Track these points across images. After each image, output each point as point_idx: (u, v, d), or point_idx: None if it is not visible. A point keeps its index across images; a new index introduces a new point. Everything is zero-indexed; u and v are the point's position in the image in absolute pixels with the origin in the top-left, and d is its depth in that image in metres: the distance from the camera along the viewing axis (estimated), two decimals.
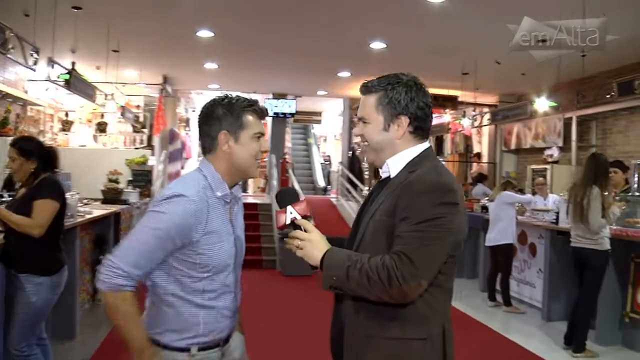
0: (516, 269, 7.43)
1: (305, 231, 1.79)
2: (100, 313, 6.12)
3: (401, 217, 1.68)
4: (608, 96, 7.64)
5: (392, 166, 1.84)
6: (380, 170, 1.92)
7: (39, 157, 3.55)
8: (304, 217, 1.83)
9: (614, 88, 7.36)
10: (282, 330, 6.03)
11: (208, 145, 2.00)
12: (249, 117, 1.98)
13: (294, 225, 1.82)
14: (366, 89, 1.87)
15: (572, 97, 9.04)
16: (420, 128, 1.84)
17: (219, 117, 1.97)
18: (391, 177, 1.84)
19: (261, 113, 2.04)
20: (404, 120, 1.81)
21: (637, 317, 5.41)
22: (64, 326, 5.05)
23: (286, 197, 1.88)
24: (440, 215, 1.66)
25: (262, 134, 2.02)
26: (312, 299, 6.97)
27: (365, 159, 2.25)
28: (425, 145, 1.87)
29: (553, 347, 5.60)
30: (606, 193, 5.08)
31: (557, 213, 6.58)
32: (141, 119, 12.97)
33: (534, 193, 8.39)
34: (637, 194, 5.83)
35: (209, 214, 1.91)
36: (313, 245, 1.76)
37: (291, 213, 1.83)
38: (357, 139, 16.06)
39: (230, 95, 2.02)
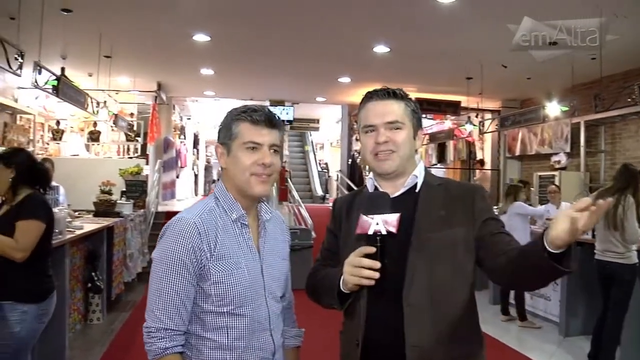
0: None
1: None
2: (92, 334, 5.78)
3: (484, 218, 1.72)
4: (630, 100, 7.34)
5: (420, 178, 1.80)
6: (375, 180, 1.83)
7: (19, 166, 3.19)
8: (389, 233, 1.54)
9: (636, 90, 7.07)
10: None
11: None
12: (241, 125, 1.72)
13: (369, 238, 1.55)
14: (391, 94, 1.80)
15: (586, 101, 8.75)
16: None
17: (219, 129, 1.79)
18: (417, 189, 1.78)
19: (259, 120, 1.72)
20: (422, 134, 1.88)
21: None
22: (51, 351, 4.64)
23: (377, 202, 1.61)
24: None
25: (257, 144, 1.71)
26: (315, 311, 6.56)
27: (384, 166, 2.05)
28: (422, 162, 1.92)
29: None
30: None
31: None
32: (135, 128, 12.67)
33: (541, 202, 8.09)
34: None
35: (218, 236, 1.68)
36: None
37: (377, 224, 1.54)
38: (356, 147, 16.07)
39: (245, 105, 1.79)
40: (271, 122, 1.74)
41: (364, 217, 1.57)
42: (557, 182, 9.55)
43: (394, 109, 1.77)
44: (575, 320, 6.23)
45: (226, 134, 1.74)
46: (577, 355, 5.46)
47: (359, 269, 1.55)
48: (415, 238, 1.69)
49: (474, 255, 1.71)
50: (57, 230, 4.59)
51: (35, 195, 3.22)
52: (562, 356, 5.62)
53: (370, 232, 1.54)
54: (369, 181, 1.86)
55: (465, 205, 1.72)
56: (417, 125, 1.82)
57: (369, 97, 1.81)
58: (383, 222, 1.54)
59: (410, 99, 1.83)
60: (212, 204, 1.75)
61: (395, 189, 1.79)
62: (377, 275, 1.53)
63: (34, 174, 3.27)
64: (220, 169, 1.86)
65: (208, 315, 1.68)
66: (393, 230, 1.54)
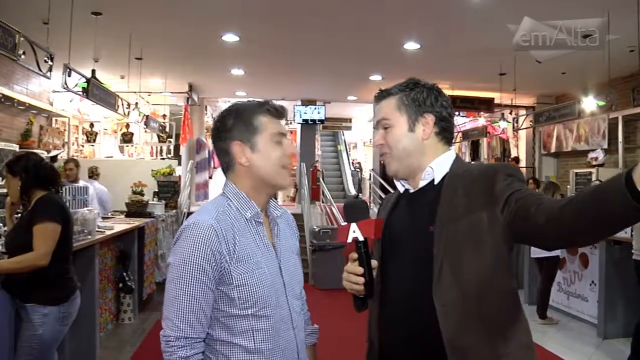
0: (565, 281, 6.98)
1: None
2: (124, 334, 5.82)
3: (507, 194, 1.51)
4: None
5: (437, 170, 1.67)
6: (398, 180, 1.76)
7: (25, 172, 3.21)
8: (367, 239, 1.61)
9: None
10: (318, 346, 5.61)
11: (225, 163, 1.75)
12: (262, 118, 1.71)
13: (356, 246, 1.61)
14: (383, 93, 1.74)
15: (624, 95, 8.50)
16: (446, 130, 1.72)
17: (230, 128, 1.72)
18: (435, 182, 1.67)
19: (277, 112, 1.74)
20: (430, 119, 1.69)
21: None
22: (82, 351, 4.69)
23: (354, 211, 1.67)
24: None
25: (284, 135, 1.74)
26: (347, 312, 6.48)
27: (387, 170, 1.98)
28: (453, 152, 1.74)
29: None
30: None
31: None
32: (167, 129, 12.79)
33: None
34: None
35: (236, 238, 1.64)
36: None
37: (354, 232, 1.60)
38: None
39: (239, 102, 1.78)
40: (282, 112, 1.76)
41: (341, 227, 1.63)
42: (594, 179, 9.31)
43: (384, 107, 1.72)
44: (614, 321, 6.03)
45: (247, 129, 1.69)
46: (616, 358, 5.28)
47: (348, 275, 1.62)
48: (439, 231, 1.57)
49: (505, 237, 1.53)
50: (86, 231, 4.65)
51: (47, 197, 3.22)
52: (600, 359, 5.44)
53: (349, 240, 1.58)
54: (396, 181, 1.80)
55: (487, 185, 1.55)
56: (417, 112, 1.68)
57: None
58: (359, 229, 1.58)
59: (411, 87, 1.70)
60: (225, 204, 1.70)
61: (415, 184, 1.72)
62: (361, 280, 1.59)
63: (41, 176, 3.27)
64: (221, 169, 1.80)
65: (232, 320, 1.64)
66: (370, 236, 1.59)
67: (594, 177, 9.48)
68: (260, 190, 1.73)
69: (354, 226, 1.59)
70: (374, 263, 1.65)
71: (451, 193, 1.61)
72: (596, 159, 10.28)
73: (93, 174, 8.06)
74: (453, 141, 1.79)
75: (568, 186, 10.28)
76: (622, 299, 5.93)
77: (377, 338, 1.71)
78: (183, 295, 1.59)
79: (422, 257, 1.59)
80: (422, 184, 1.70)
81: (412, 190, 1.73)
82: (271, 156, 1.69)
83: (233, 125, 1.71)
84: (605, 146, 10.16)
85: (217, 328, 1.64)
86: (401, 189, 1.78)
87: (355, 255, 1.61)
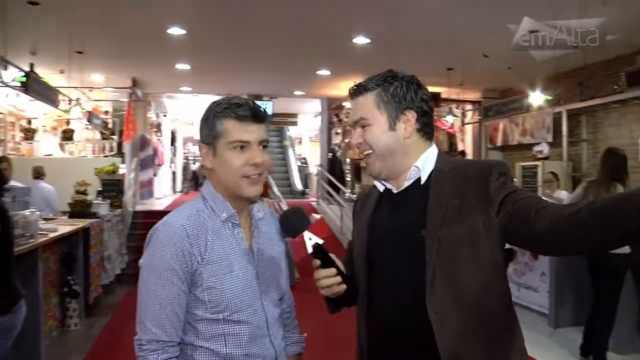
0: (516, 272, 7.06)
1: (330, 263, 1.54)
2: (70, 341, 5.56)
3: (502, 196, 1.46)
4: (616, 87, 7.27)
5: (423, 169, 1.59)
6: (379, 180, 1.67)
7: None
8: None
9: (623, 78, 7.00)
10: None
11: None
12: (228, 123, 1.59)
13: (315, 252, 1.52)
14: (359, 88, 1.63)
15: (570, 89, 8.70)
16: (427, 125, 1.63)
17: (200, 129, 1.66)
18: (422, 181, 1.58)
19: (250, 117, 1.60)
20: (412, 116, 1.59)
21: None
22: None
23: (297, 221, 1.58)
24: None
25: (246, 143, 1.59)
26: (297, 310, 6.40)
27: (368, 170, 1.89)
28: (435, 147, 1.65)
29: (568, 359, 5.22)
30: None
31: None
32: (110, 126, 12.40)
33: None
34: None
35: (208, 239, 1.58)
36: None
37: (310, 239, 1.53)
38: (336, 140, 15.97)
39: (222, 99, 1.65)
40: (257, 116, 1.62)
41: (294, 242, 1.55)
42: (540, 172, 9.52)
43: (361, 105, 1.62)
44: (565, 311, 6.15)
45: (209, 133, 1.61)
46: (569, 347, 5.38)
47: (323, 281, 1.54)
48: (430, 235, 1.49)
49: (500, 241, 1.48)
50: (27, 234, 4.39)
51: None
52: (554, 348, 5.53)
53: (310, 249, 1.52)
54: (375, 180, 1.70)
55: (480, 187, 1.48)
56: (397, 109, 1.58)
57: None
58: (313, 234, 1.53)
59: (386, 80, 1.60)
60: (200, 204, 1.65)
61: (398, 184, 1.63)
62: (338, 279, 1.53)
63: None
64: (201, 167, 1.70)
65: (203, 323, 1.58)
66: (325, 233, 1.55)
67: (539, 170, 9.70)
68: (228, 194, 1.65)
69: (307, 234, 1.53)
70: (333, 256, 1.57)
71: (440, 194, 1.53)
72: (541, 152, 10.52)
73: (39, 173, 7.72)
74: (433, 135, 1.69)
75: (515, 179, 10.48)
76: (572, 289, 6.04)
77: (367, 345, 1.64)
78: (154, 297, 1.54)
79: (414, 262, 1.51)
80: (406, 184, 1.61)
81: (395, 191, 1.64)
82: (230, 164, 1.59)
83: (202, 126, 1.65)
84: (550, 140, 10.39)
85: (188, 332, 1.59)
86: (381, 188, 1.69)
87: (318, 261, 1.54)
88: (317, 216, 1.59)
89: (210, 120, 1.61)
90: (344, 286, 1.55)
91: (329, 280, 1.53)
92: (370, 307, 1.62)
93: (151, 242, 1.59)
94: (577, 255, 4.68)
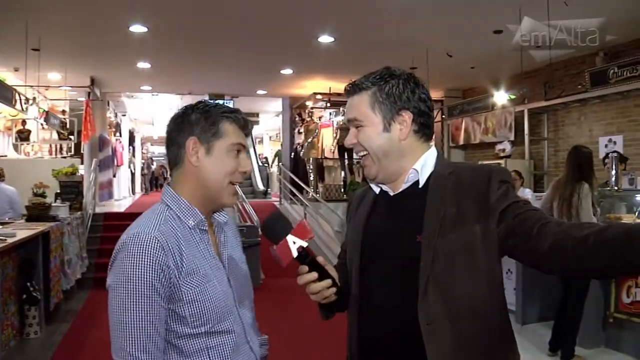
0: None
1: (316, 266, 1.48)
2: (30, 350, 5.34)
3: (502, 207, 1.42)
4: (579, 86, 7.40)
5: (421, 172, 1.53)
6: (375, 183, 1.62)
7: None
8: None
9: (586, 78, 7.12)
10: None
11: (174, 156, 1.60)
12: (228, 125, 1.58)
13: (301, 256, 1.46)
14: (354, 87, 1.58)
15: (532, 89, 8.82)
16: (425, 125, 1.56)
17: (191, 122, 1.58)
18: (420, 184, 1.53)
19: (244, 124, 1.63)
20: (407, 117, 1.53)
21: (622, 317, 5.17)
22: None
23: (278, 225, 1.50)
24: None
25: (243, 147, 1.61)
26: (264, 311, 6.32)
27: (365, 172, 1.83)
28: (434, 149, 1.59)
29: (537, 354, 5.26)
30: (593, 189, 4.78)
31: None
32: (67, 125, 12.08)
33: None
34: (616, 188, 5.53)
35: (182, 249, 1.48)
36: None
37: (294, 243, 1.46)
38: (299, 140, 15.87)
39: (205, 101, 1.64)
40: (247, 127, 1.64)
41: (278, 248, 1.47)
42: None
43: (356, 104, 1.57)
44: (532, 307, 6.22)
45: (209, 130, 1.56)
46: (537, 343, 5.43)
47: (312, 287, 1.48)
48: (425, 242, 1.44)
49: (498, 251, 1.45)
50: None
51: None
52: (522, 344, 5.44)
53: (295, 254, 1.46)
54: (371, 182, 1.65)
55: (479, 195, 1.45)
56: (392, 110, 1.53)
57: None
58: (297, 237, 1.47)
59: (383, 78, 1.55)
60: (166, 213, 1.54)
61: (395, 187, 1.58)
62: (328, 282, 1.47)
63: None
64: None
65: (184, 340, 1.48)
66: (309, 236, 1.47)
67: None
68: (201, 200, 1.58)
69: (291, 237, 1.46)
70: (320, 259, 1.51)
71: (438, 200, 1.48)
72: (503, 150, 10.68)
73: (0, 175, 7.46)
74: (433, 136, 1.64)
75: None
76: (538, 285, 6.11)
77: (357, 351, 1.58)
78: (136, 320, 1.41)
79: (408, 269, 1.46)
80: (403, 187, 1.56)
81: (391, 193, 1.59)
82: (224, 165, 1.56)
83: (197, 120, 1.57)
84: (512, 138, 10.57)
85: (168, 351, 1.48)
86: (377, 190, 1.64)
87: (305, 267, 1.48)
88: (299, 220, 1.48)
89: (212, 117, 1.57)
90: (333, 289, 1.49)
91: (317, 285, 1.47)
92: (361, 312, 1.57)
93: (123, 258, 1.44)
94: (574, 277, 4.77)
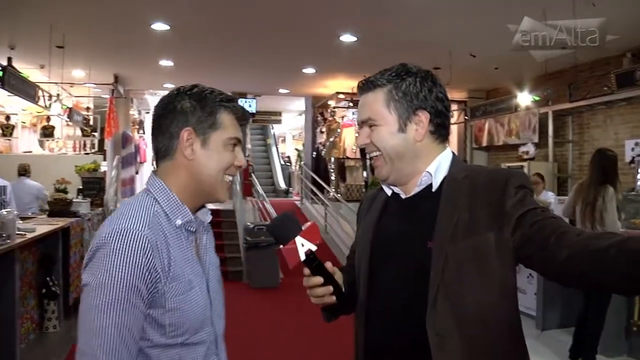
0: None
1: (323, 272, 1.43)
2: (48, 344, 5.40)
3: (518, 214, 1.34)
4: (605, 88, 7.27)
5: (435, 175, 1.47)
6: (387, 185, 1.56)
7: None
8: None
9: (612, 79, 6.99)
10: (251, 344, 5.42)
11: (164, 147, 1.45)
12: (226, 116, 1.46)
13: (308, 259, 1.40)
14: (368, 84, 1.50)
15: (557, 90, 8.68)
16: (442, 126, 1.50)
17: (185, 111, 1.43)
18: (433, 188, 1.47)
19: (242, 115, 1.51)
20: (424, 117, 1.46)
21: None
22: None
23: (288, 226, 1.43)
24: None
25: (239, 141, 1.49)
26: (281, 311, 6.55)
27: (376, 173, 1.76)
28: (449, 150, 1.53)
29: None
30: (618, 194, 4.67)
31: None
32: (91, 122, 12.20)
33: None
34: None
35: (170, 251, 1.34)
36: None
37: (303, 245, 1.40)
38: (321, 139, 15.85)
39: (200, 85, 1.47)
40: (245, 117, 1.53)
41: (287, 249, 1.40)
42: (526, 173, 9.51)
43: (370, 103, 1.50)
44: (552, 313, 6.12)
45: (206, 120, 1.43)
46: (557, 349, 5.34)
47: (314, 291, 1.44)
48: (436, 250, 1.38)
49: (512, 259, 1.37)
50: (4, 235, 4.24)
51: None
52: (541, 350, 5.48)
53: (303, 257, 1.40)
54: (383, 184, 1.59)
55: (494, 201, 1.37)
56: (409, 110, 1.45)
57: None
58: (306, 239, 1.41)
59: (399, 76, 1.47)
60: (155, 207, 1.40)
61: (408, 190, 1.52)
62: (329, 289, 1.43)
63: None
64: (153, 163, 1.53)
65: (157, 350, 1.34)
66: (318, 240, 1.42)
67: (525, 171, 9.68)
68: (193, 195, 1.46)
69: (299, 240, 1.40)
70: (329, 265, 1.46)
71: (451, 205, 1.41)
72: (527, 152, 10.52)
73: (26, 171, 7.60)
74: (449, 137, 1.58)
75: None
76: (559, 290, 5.99)
77: (364, 357, 1.53)
78: (112, 325, 1.25)
79: (417, 275, 1.41)
80: (416, 189, 1.50)
81: (404, 196, 1.53)
82: (220, 159, 1.45)
83: (192, 109, 1.44)
84: (536, 140, 10.40)
85: None
86: (388, 192, 1.58)
87: (308, 270, 1.44)
88: (308, 223, 1.43)
89: (209, 107, 1.44)
90: (333, 298, 1.44)
91: (319, 290, 1.43)
92: (368, 316, 1.52)
93: (105, 255, 1.28)
94: (593, 290, 4.60)
